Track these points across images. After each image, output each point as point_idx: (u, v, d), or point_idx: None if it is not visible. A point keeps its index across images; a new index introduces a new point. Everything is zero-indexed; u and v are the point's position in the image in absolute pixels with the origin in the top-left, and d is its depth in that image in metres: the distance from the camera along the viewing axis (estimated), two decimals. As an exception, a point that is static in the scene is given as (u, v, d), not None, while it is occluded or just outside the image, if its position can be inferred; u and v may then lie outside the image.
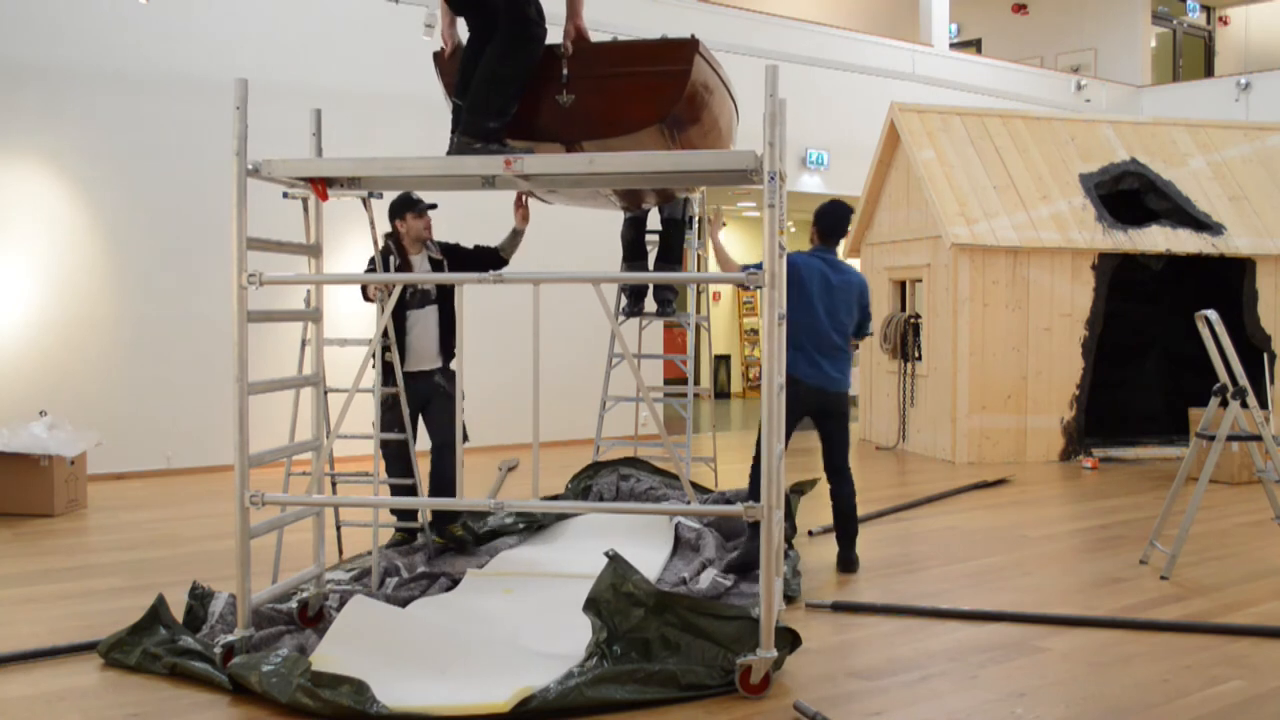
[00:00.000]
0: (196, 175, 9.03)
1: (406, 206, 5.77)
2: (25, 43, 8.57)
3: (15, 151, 8.57)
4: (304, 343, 5.64)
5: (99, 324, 8.88)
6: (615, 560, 4.27)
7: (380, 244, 5.69)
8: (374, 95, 9.92)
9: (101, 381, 8.84)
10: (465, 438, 5.39)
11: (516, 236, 5.92)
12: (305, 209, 5.15)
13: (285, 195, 4.95)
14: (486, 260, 5.92)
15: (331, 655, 4.00)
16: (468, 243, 6.11)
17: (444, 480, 5.84)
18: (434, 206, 5.83)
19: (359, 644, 4.09)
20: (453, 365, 5.92)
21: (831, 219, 5.81)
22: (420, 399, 5.86)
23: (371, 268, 5.76)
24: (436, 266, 5.88)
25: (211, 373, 9.24)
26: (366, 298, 5.67)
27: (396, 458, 5.79)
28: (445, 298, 5.91)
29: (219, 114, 9.71)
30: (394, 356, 5.45)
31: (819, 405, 5.72)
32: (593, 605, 4.18)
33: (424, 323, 5.87)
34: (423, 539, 5.88)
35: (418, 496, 5.71)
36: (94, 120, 8.85)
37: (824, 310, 5.65)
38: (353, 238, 8.81)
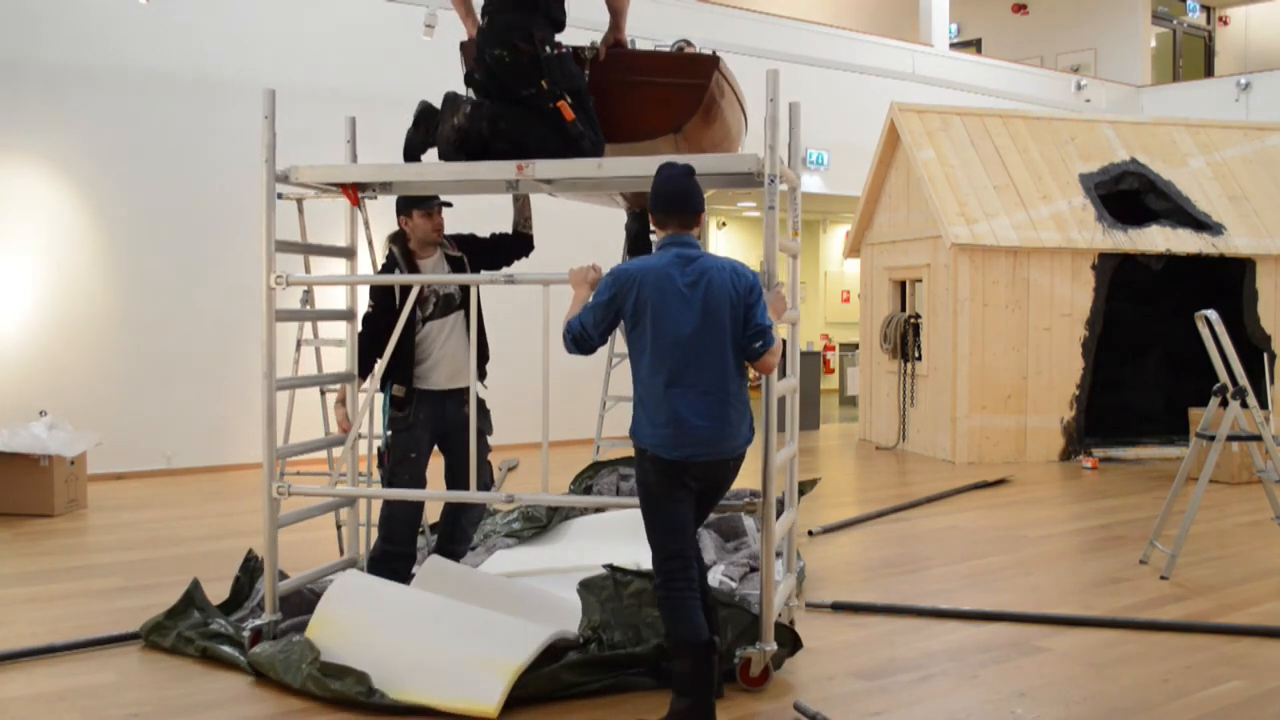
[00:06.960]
0: (197, 175, 9.01)
1: (415, 203, 4.89)
2: (25, 43, 8.57)
3: (15, 151, 8.56)
4: (299, 343, 5.71)
5: (99, 324, 8.88)
6: (616, 570, 4.36)
7: (384, 249, 5.01)
8: (374, 94, 9.92)
9: (101, 381, 8.84)
10: (491, 483, 4.97)
11: (519, 200, 5.09)
12: (300, 210, 5.25)
13: (280, 196, 4.97)
14: (513, 247, 5.11)
15: (327, 617, 4.14)
16: (482, 232, 5.23)
17: (457, 532, 5.16)
18: (449, 205, 5.00)
19: (351, 616, 4.16)
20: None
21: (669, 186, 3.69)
22: (442, 426, 4.92)
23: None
24: (458, 266, 4.99)
25: (212, 373, 9.25)
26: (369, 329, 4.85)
27: (410, 492, 4.83)
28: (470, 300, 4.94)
29: (220, 113, 9.79)
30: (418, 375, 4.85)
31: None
32: (587, 586, 4.30)
33: (455, 334, 4.90)
34: (424, 541, 5.86)
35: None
36: (94, 120, 8.84)
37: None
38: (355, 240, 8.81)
